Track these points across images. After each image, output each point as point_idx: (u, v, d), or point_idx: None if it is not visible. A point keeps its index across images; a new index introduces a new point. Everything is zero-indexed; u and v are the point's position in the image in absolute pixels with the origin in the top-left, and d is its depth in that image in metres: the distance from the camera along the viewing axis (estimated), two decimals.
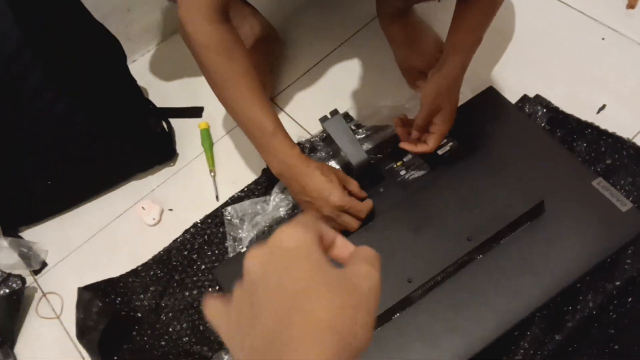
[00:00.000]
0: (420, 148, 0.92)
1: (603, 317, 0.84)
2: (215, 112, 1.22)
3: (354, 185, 0.92)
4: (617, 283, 0.84)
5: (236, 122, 0.91)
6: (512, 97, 1.06)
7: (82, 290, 1.00)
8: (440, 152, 0.98)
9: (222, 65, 0.85)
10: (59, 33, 0.93)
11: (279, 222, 0.99)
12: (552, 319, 0.83)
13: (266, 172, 1.08)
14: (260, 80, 0.88)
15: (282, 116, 1.18)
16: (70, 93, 0.95)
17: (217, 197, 1.10)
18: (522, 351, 0.83)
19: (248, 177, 1.10)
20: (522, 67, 1.12)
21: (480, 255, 0.86)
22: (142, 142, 1.12)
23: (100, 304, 0.97)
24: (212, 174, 1.13)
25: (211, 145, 1.16)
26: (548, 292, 0.82)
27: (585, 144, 0.99)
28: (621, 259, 0.86)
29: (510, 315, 0.81)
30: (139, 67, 1.32)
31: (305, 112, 1.17)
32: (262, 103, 0.86)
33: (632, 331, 0.82)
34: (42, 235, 1.14)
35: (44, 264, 1.10)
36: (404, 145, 0.93)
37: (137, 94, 1.13)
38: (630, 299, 0.85)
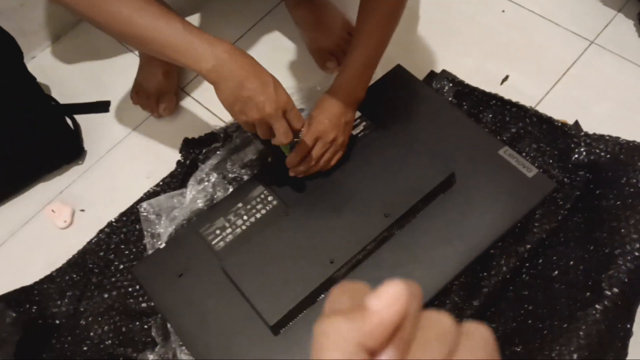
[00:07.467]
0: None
1: (517, 280, 0.88)
2: (122, 105, 1.17)
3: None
4: (528, 246, 0.88)
5: (135, 43, 0.76)
6: (421, 74, 1.08)
7: None
8: (354, 132, 0.98)
9: None
10: None
11: (197, 214, 0.97)
12: (469, 285, 0.86)
13: (181, 164, 1.06)
14: None
15: (194, 105, 1.15)
16: None
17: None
18: None
19: (162, 170, 1.07)
20: (428, 44, 1.15)
21: (398, 230, 0.88)
22: (45, 141, 1.06)
23: (14, 315, 0.92)
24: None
25: None
26: (464, 261, 0.85)
27: (491, 115, 1.03)
28: (530, 222, 0.90)
29: (430, 286, 0.83)
30: (40, 64, 1.26)
31: (217, 100, 1.14)
32: (159, 6, 0.73)
33: (544, 291, 0.86)
34: None
35: None
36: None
37: (36, 91, 1.07)
38: (540, 260, 0.89)
